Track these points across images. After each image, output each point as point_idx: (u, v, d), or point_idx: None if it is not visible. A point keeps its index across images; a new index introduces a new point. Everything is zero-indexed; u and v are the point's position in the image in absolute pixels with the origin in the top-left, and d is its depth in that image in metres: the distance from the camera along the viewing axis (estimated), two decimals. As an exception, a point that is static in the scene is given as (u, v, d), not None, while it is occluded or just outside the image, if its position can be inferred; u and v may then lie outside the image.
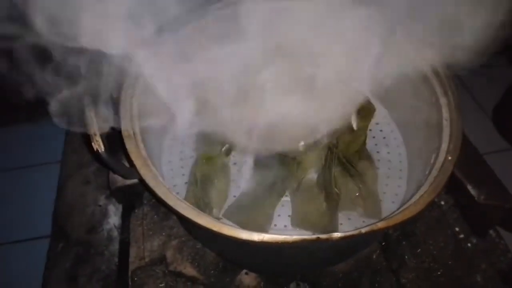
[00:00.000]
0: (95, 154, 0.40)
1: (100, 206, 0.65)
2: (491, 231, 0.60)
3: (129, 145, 0.45)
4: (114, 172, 0.44)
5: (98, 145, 0.39)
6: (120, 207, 0.64)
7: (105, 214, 0.64)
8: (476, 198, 0.58)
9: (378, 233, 0.40)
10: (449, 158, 0.45)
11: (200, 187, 0.53)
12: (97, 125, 0.40)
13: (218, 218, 0.51)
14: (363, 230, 0.39)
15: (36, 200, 1.03)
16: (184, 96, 0.60)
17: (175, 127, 0.62)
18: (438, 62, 0.54)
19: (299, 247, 0.39)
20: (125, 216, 0.62)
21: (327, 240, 0.38)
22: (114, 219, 0.64)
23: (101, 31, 0.40)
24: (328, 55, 0.55)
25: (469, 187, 0.59)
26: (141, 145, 0.47)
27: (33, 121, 1.22)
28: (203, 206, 0.51)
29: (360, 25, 0.52)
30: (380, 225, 0.40)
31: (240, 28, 0.53)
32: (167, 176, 0.58)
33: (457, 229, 0.60)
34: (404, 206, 0.42)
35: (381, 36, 0.54)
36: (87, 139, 0.40)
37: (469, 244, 0.59)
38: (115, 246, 0.61)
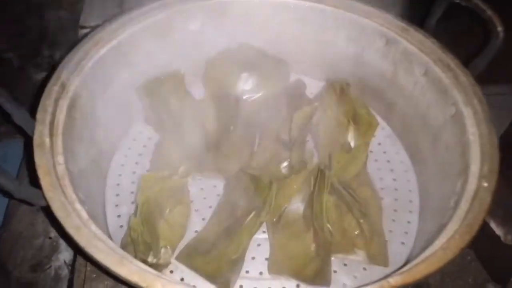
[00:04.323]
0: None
1: (50, 238, 0.59)
2: (512, 278, 0.54)
3: (39, 157, 0.34)
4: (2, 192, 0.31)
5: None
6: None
7: (55, 248, 0.58)
8: (502, 238, 0.51)
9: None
10: (485, 185, 0.37)
11: (143, 219, 0.40)
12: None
13: (166, 264, 0.39)
14: (369, 290, 0.26)
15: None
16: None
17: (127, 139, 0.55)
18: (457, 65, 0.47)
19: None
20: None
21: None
22: (65, 254, 0.57)
23: None
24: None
25: (493, 225, 0.52)
26: (60, 159, 0.35)
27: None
28: (143, 246, 0.38)
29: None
30: (393, 281, 0.28)
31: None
32: (110, 202, 0.48)
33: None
34: (427, 252, 0.30)
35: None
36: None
37: (486, 294, 0.53)
38: (63, 288, 0.55)
